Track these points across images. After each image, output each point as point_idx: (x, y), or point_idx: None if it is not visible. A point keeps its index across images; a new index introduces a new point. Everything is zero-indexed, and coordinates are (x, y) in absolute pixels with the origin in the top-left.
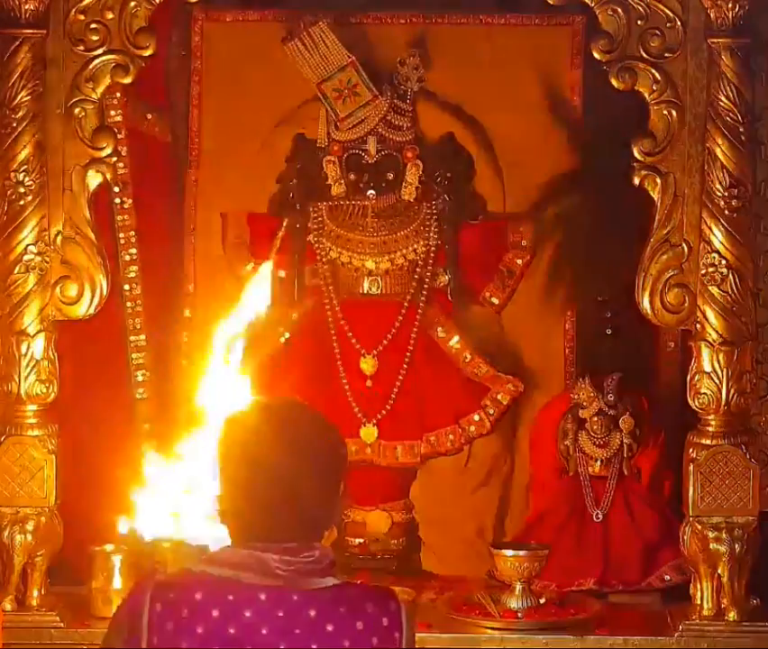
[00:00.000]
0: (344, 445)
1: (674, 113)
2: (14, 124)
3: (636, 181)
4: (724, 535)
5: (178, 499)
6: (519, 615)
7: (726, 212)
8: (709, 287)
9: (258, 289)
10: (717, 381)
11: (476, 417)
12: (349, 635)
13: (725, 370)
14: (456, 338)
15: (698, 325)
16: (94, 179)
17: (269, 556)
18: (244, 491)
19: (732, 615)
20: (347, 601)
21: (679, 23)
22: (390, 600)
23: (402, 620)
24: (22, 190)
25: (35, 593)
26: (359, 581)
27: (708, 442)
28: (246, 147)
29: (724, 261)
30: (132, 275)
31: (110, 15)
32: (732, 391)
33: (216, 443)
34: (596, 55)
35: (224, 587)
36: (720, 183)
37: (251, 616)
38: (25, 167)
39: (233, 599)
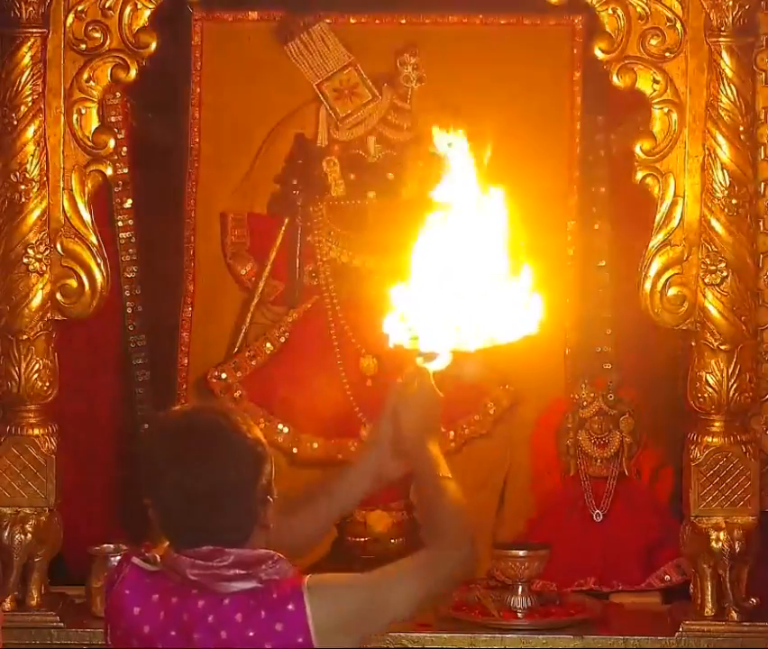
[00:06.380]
0: (256, 449)
1: (674, 113)
2: (15, 123)
3: (637, 180)
4: (724, 535)
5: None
6: (519, 615)
7: (727, 212)
8: (709, 288)
9: None
10: (717, 381)
11: (476, 418)
12: (241, 642)
13: (725, 369)
14: None
15: (698, 325)
16: (94, 179)
17: (183, 560)
18: (160, 504)
19: (732, 615)
20: (244, 608)
21: (679, 23)
22: (289, 603)
23: (305, 621)
24: (22, 189)
25: (35, 593)
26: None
27: (709, 441)
28: (246, 147)
29: (724, 262)
30: (132, 275)
31: (110, 15)
32: (732, 391)
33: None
34: (596, 55)
35: (152, 584)
36: (720, 183)
37: (163, 617)
38: (25, 166)
39: (156, 598)
